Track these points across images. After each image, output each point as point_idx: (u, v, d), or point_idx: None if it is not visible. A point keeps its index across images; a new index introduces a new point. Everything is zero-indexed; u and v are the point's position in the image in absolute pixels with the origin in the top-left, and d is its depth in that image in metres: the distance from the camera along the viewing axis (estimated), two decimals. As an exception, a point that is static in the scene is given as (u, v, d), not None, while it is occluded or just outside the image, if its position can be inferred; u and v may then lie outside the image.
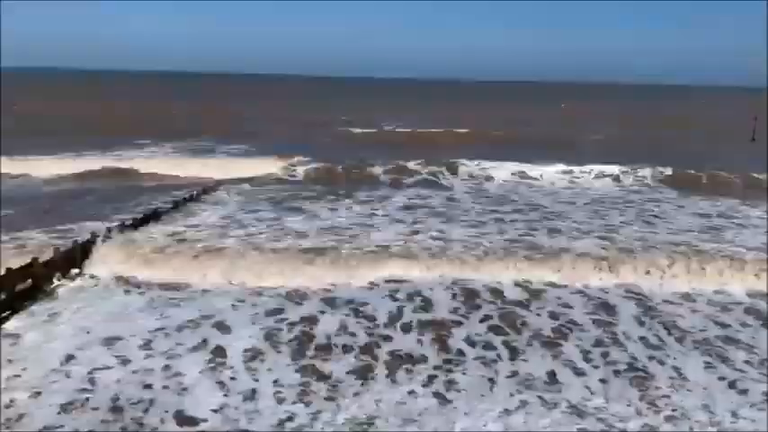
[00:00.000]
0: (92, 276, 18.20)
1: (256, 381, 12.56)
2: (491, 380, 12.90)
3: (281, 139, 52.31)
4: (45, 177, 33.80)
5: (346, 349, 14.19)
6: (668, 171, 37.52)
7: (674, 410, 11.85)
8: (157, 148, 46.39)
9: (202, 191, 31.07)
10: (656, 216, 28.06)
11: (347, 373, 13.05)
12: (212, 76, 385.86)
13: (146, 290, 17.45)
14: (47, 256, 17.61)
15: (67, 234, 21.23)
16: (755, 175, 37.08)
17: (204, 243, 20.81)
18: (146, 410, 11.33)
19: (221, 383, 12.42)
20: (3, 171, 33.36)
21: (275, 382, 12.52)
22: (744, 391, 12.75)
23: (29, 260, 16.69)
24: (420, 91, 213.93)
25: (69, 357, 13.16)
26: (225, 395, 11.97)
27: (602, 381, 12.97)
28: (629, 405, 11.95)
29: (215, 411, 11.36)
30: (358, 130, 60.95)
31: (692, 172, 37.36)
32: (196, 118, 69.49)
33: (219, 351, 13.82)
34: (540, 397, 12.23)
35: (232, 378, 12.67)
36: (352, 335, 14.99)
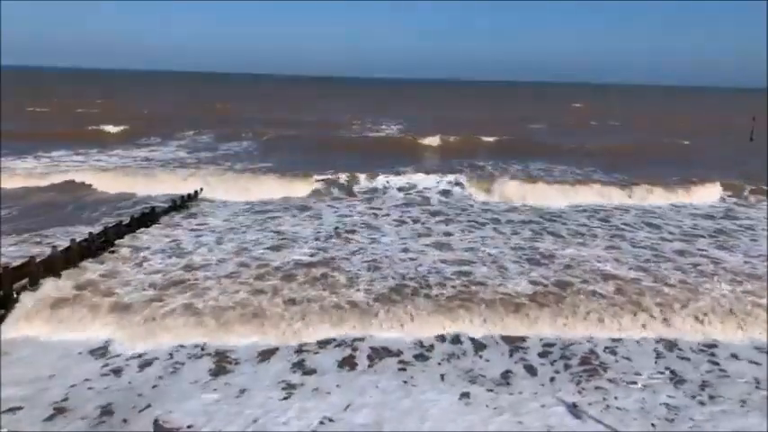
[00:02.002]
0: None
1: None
2: (442, 376, 13.14)
3: (281, 142, 52.10)
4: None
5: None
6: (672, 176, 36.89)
7: (607, 406, 11.98)
8: (162, 148, 46.45)
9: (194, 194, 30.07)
10: (658, 217, 28.26)
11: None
12: (212, 76, 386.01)
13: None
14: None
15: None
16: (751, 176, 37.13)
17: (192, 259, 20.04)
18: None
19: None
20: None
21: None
22: (681, 382, 13.00)
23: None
24: (418, 92, 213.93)
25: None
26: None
27: (551, 378, 13.16)
28: (563, 402, 12.05)
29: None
30: (356, 135, 59.74)
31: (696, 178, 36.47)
32: (196, 118, 69.53)
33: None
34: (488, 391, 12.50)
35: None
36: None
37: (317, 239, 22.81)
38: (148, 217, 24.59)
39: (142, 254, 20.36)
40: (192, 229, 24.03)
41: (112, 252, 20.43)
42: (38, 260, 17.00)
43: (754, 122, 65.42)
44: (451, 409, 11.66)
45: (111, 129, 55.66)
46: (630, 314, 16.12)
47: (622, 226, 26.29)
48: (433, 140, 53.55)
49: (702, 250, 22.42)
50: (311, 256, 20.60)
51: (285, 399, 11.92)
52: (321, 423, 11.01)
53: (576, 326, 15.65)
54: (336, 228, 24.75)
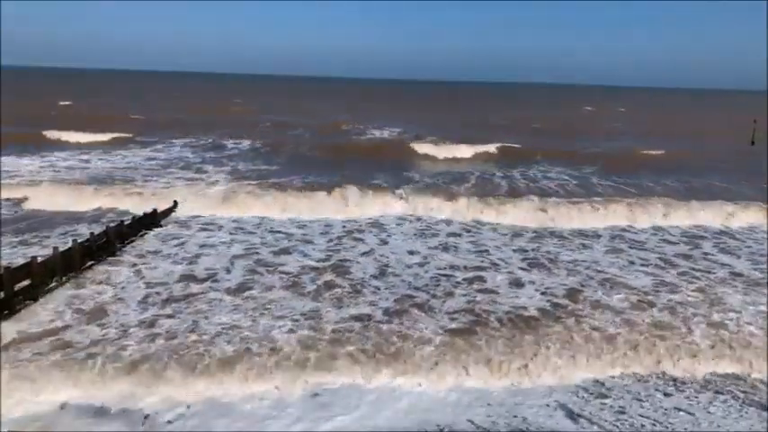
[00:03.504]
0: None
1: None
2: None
3: (281, 146, 51.86)
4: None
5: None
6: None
7: None
8: (164, 147, 46.33)
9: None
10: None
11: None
12: (211, 76, 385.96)
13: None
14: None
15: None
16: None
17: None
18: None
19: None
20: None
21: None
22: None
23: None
24: (416, 93, 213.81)
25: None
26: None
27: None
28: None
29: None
30: (360, 138, 58.50)
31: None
32: (197, 119, 69.41)
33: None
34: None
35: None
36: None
37: (329, 241, 22.92)
38: (150, 218, 24.42)
39: (141, 260, 19.96)
40: (198, 230, 23.84)
41: (113, 254, 20.26)
42: (39, 260, 16.84)
43: (755, 125, 65.19)
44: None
45: (111, 130, 55.25)
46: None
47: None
48: (438, 147, 51.19)
49: None
50: (320, 261, 20.53)
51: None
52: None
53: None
54: (343, 227, 24.95)
